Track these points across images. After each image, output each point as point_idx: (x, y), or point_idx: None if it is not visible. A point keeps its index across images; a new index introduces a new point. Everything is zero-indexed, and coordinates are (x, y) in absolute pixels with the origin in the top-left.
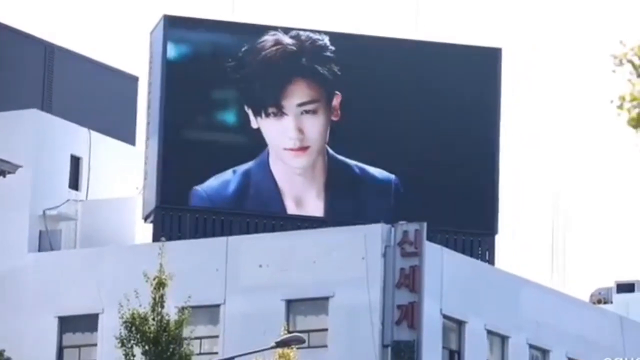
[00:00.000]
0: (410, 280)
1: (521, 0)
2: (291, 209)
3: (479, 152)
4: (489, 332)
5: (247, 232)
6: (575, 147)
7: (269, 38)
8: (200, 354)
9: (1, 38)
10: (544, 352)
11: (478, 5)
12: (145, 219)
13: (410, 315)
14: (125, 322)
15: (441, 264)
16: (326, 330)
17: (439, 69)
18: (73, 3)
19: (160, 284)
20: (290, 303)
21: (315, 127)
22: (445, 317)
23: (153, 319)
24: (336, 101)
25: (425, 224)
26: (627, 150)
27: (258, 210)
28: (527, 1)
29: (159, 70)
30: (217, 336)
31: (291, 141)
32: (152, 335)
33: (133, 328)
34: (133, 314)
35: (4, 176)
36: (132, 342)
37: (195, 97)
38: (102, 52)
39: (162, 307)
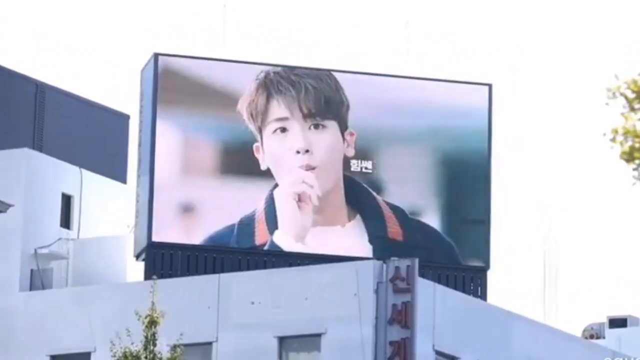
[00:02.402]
0: (403, 316)
1: (513, 35)
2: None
3: (471, 188)
4: None
5: (239, 269)
6: (568, 181)
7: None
8: None
9: None
10: None
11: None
12: (137, 257)
13: (402, 351)
14: None
15: (433, 299)
16: None
17: (431, 105)
18: (64, 42)
19: (152, 322)
20: (282, 340)
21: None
22: (437, 353)
23: (145, 357)
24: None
25: (417, 260)
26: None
27: (249, 247)
28: (520, 35)
29: (150, 108)
30: None
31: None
32: None
33: None
34: (125, 352)
35: None
36: None
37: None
38: (93, 90)
39: (154, 345)
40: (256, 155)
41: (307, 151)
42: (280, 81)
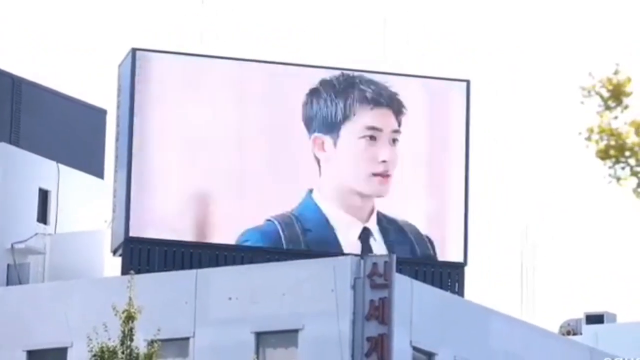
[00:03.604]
0: (380, 312)
1: (491, 32)
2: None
3: (448, 183)
4: None
5: (216, 265)
6: (543, 179)
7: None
8: None
9: None
10: None
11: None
12: (114, 252)
13: (380, 347)
14: (94, 355)
15: (411, 295)
16: None
17: (408, 101)
18: (40, 36)
19: (130, 317)
20: (259, 335)
21: None
22: (415, 349)
23: (122, 352)
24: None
25: (394, 256)
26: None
27: (226, 242)
28: (497, 33)
29: (127, 103)
30: None
31: None
32: None
33: None
34: (102, 347)
35: None
36: None
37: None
38: (70, 85)
39: (132, 340)
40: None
41: None
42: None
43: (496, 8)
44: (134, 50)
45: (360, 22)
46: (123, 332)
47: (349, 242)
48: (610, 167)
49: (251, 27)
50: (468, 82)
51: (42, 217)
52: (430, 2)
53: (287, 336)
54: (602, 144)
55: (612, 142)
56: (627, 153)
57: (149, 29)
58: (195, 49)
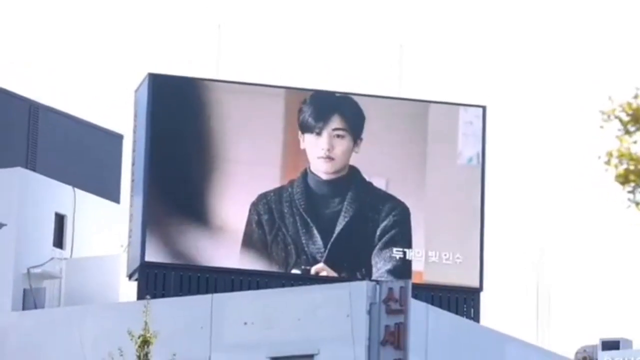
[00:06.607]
0: (396, 337)
1: (508, 57)
2: None
3: (464, 208)
4: None
5: (232, 290)
6: (561, 203)
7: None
8: None
9: None
10: None
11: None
12: (130, 276)
13: None
14: None
15: (426, 321)
16: None
17: (424, 126)
18: (57, 61)
19: (145, 342)
20: None
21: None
22: None
23: None
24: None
25: (410, 281)
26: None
27: (244, 268)
28: (514, 57)
29: (144, 128)
30: None
31: None
32: None
33: None
34: None
35: None
36: None
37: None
38: (87, 110)
39: None
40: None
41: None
42: None
43: (514, 33)
44: (150, 75)
45: (376, 48)
46: (139, 357)
47: None
48: (629, 192)
49: (267, 52)
50: (484, 107)
51: (58, 242)
52: (446, 28)
53: None
54: (621, 169)
55: (632, 167)
56: None
57: (165, 54)
58: (211, 74)
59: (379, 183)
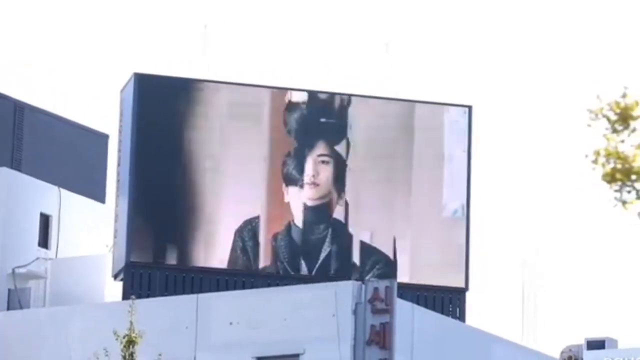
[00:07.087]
0: (381, 337)
1: (494, 56)
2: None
3: (449, 208)
4: None
5: (217, 290)
6: (548, 202)
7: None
8: None
9: None
10: None
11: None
12: (115, 276)
13: None
14: None
15: (412, 321)
16: None
17: (410, 126)
18: (42, 61)
19: (131, 342)
20: None
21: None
22: None
23: None
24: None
25: (395, 281)
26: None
27: (228, 267)
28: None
29: (129, 128)
30: None
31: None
32: None
33: None
34: None
35: None
36: None
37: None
38: (72, 110)
39: None
40: None
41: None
42: None
43: (500, 32)
44: (136, 75)
45: (362, 47)
46: (124, 357)
47: None
48: (616, 191)
49: (254, 52)
50: (470, 107)
51: (44, 242)
52: (433, 27)
53: None
54: (608, 167)
55: (619, 166)
56: (634, 177)
57: (151, 54)
58: (197, 73)
59: (363, 237)
